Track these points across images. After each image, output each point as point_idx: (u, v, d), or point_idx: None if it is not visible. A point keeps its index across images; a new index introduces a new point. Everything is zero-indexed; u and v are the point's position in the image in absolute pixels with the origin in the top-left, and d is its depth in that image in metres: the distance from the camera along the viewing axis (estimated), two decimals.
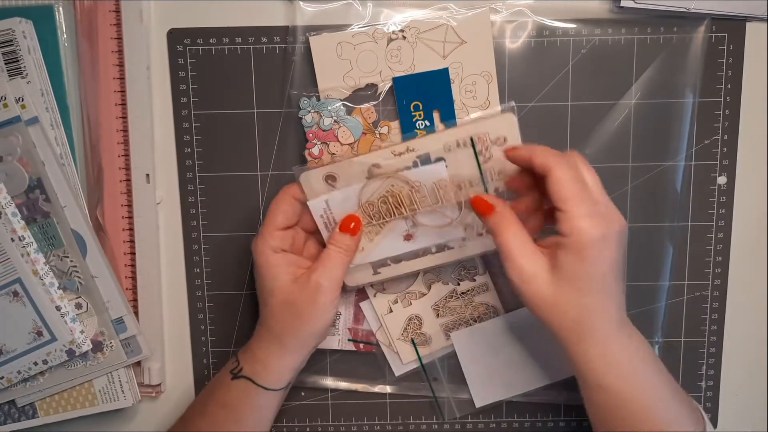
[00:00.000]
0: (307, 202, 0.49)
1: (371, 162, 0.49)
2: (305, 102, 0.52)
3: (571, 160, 0.43)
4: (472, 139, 0.48)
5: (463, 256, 0.52)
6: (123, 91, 0.52)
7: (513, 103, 0.49)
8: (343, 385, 0.58)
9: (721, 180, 0.54)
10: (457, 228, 0.50)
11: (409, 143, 0.48)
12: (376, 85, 0.52)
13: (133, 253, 0.54)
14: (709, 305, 0.56)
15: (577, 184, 0.42)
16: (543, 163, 0.42)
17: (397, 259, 0.52)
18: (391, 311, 0.55)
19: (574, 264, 0.41)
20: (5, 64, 0.50)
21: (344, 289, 0.52)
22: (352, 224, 0.48)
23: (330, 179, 0.49)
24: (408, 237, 0.50)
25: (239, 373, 0.49)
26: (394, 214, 0.49)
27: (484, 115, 0.51)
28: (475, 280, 0.55)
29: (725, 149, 0.54)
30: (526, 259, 0.43)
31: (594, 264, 0.41)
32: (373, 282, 0.53)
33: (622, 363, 0.43)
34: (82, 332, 0.53)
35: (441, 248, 0.52)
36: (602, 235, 0.41)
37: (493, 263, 0.55)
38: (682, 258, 0.55)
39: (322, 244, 0.50)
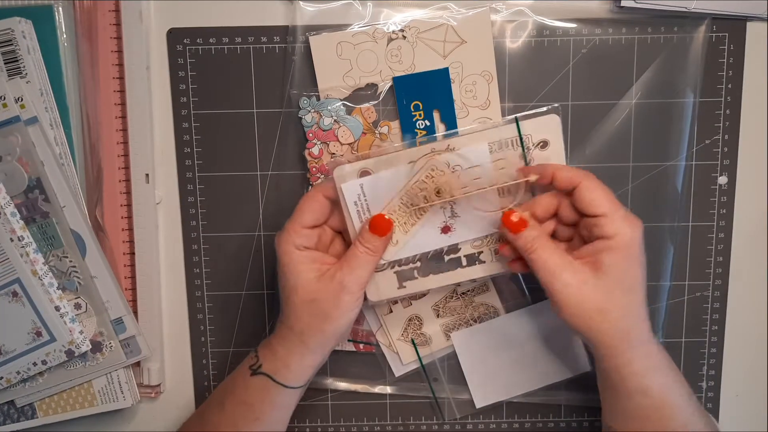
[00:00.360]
0: (342, 185, 0.46)
1: (409, 159, 0.47)
2: (305, 102, 0.52)
3: (590, 173, 0.45)
4: (520, 135, 0.46)
5: (493, 272, 0.50)
6: (123, 91, 0.52)
7: (557, 105, 0.49)
8: (343, 385, 0.58)
9: (722, 180, 0.54)
10: (497, 220, 0.47)
11: (450, 141, 0.47)
12: (376, 85, 0.52)
13: (132, 253, 0.54)
14: (709, 305, 0.56)
15: (607, 191, 0.44)
16: (570, 176, 0.44)
17: (425, 272, 0.50)
18: (391, 311, 0.55)
19: (621, 263, 0.43)
20: (5, 63, 0.50)
21: (366, 304, 0.50)
22: (384, 222, 0.46)
23: (365, 175, 0.47)
24: (445, 229, 0.48)
25: (258, 370, 0.48)
26: (432, 199, 0.46)
27: (526, 115, 0.48)
28: (475, 281, 0.55)
29: (726, 149, 0.54)
30: (569, 272, 0.43)
31: (635, 261, 0.44)
32: (397, 297, 0.51)
33: (662, 364, 0.45)
34: (81, 332, 0.53)
35: (471, 262, 0.50)
36: (640, 234, 0.44)
37: None
38: (683, 258, 0.55)
39: (349, 243, 0.48)
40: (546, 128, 0.47)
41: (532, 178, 0.46)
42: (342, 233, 0.50)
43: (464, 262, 0.50)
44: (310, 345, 0.47)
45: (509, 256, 0.48)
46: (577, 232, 0.47)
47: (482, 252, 0.49)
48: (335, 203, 0.48)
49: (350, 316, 0.47)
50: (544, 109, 0.49)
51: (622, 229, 0.43)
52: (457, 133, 0.51)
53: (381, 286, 0.50)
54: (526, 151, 0.47)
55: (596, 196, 0.43)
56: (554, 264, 0.44)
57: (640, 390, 0.44)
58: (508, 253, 0.47)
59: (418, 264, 0.50)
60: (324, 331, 0.46)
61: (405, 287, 0.50)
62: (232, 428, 0.48)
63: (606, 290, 0.43)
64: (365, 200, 0.47)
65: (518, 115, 0.48)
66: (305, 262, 0.46)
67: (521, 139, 0.47)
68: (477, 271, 0.50)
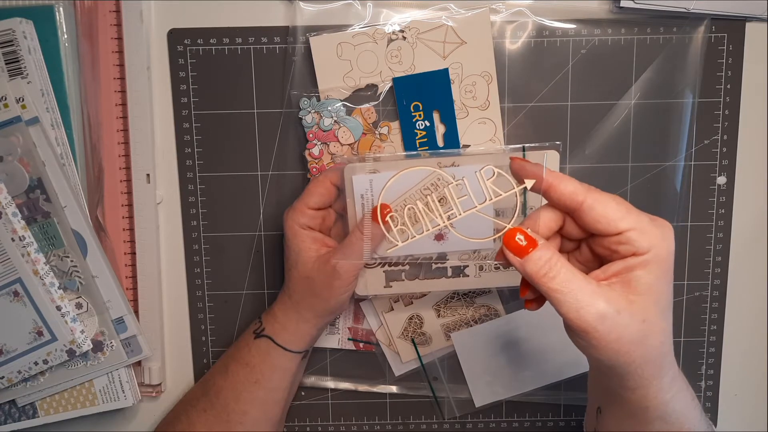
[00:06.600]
0: (353, 177, 0.48)
1: (419, 167, 0.46)
2: (305, 102, 0.52)
3: (580, 184, 0.38)
4: (524, 149, 0.47)
5: (475, 287, 0.52)
6: (123, 91, 0.52)
7: (559, 143, 0.48)
8: (343, 385, 0.58)
9: (721, 180, 0.54)
10: (489, 239, 0.45)
11: (456, 159, 0.48)
12: (376, 86, 0.52)
13: (133, 253, 0.54)
14: (708, 305, 0.56)
15: (619, 199, 0.37)
16: (573, 191, 0.37)
17: (411, 275, 0.52)
18: (392, 309, 0.55)
19: (659, 281, 0.36)
20: (6, 64, 0.50)
21: (353, 297, 0.52)
22: (385, 213, 0.43)
23: (374, 173, 0.49)
24: (439, 237, 0.49)
25: (261, 333, 0.51)
26: (432, 210, 0.45)
27: (531, 147, 0.48)
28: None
29: (725, 149, 0.54)
30: (603, 300, 0.35)
31: (671, 274, 0.37)
32: (383, 295, 0.53)
33: (682, 384, 0.39)
34: (82, 332, 0.53)
35: (456, 274, 0.52)
36: (673, 239, 0.37)
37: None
38: (682, 258, 0.55)
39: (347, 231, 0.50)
40: (544, 162, 0.47)
41: (529, 183, 0.38)
42: (346, 216, 0.51)
43: (449, 273, 0.52)
44: (304, 315, 0.50)
45: (530, 296, 0.40)
46: (586, 244, 0.40)
47: (467, 266, 0.51)
48: (341, 190, 0.49)
49: (340, 299, 0.49)
50: (547, 144, 0.49)
51: (655, 239, 0.36)
52: (460, 153, 0.52)
53: (369, 282, 0.52)
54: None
55: (611, 210, 0.36)
56: (580, 291, 0.35)
57: (660, 417, 0.39)
58: (527, 293, 0.40)
59: (407, 267, 0.52)
60: (315, 307, 0.49)
61: (391, 287, 0.52)
62: (232, 391, 0.51)
63: (643, 315, 0.36)
64: (371, 195, 0.49)
65: (526, 144, 0.49)
66: (306, 241, 0.49)
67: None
68: (459, 284, 0.52)
